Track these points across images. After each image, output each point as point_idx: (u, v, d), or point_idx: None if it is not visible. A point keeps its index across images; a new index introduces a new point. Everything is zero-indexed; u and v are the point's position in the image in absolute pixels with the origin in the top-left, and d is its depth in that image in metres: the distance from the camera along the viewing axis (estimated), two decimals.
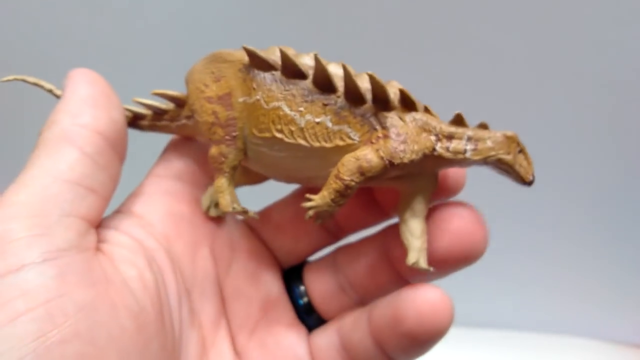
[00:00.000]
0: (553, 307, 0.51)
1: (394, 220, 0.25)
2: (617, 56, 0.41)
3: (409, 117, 0.21)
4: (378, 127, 0.21)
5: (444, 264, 0.22)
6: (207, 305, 0.25)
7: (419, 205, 0.22)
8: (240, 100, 0.22)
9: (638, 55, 0.41)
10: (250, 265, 0.27)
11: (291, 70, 0.21)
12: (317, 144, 0.21)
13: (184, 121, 0.25)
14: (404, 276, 0.24)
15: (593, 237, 0.48)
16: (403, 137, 0.20)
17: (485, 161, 0.21)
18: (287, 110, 0.21)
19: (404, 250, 0.22)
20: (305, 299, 0.27)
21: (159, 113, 0.26)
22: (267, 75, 0.22)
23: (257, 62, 0.22)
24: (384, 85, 0.21)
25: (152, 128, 0.26)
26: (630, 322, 0.50)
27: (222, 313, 0.25)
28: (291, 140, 0.21)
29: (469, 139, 0.21)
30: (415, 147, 0.20)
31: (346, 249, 0.26)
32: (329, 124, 0.21)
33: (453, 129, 0.21)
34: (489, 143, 0.21)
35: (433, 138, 0.21)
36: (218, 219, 0.26)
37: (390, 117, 0.21)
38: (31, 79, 0.25)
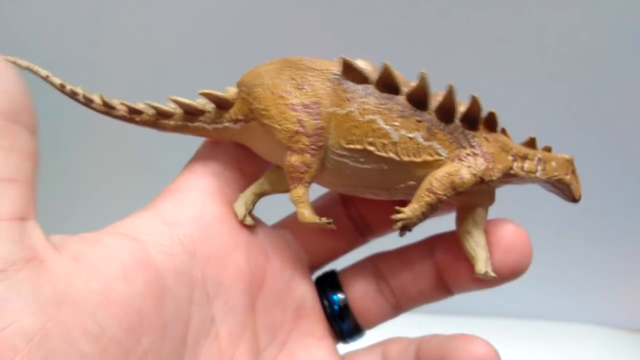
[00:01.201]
0: (554, 294, 0.52)
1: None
2: (618, 55, 0.42)
3: (492, 137, 0.23)
4: (466, 145, 0.22)
5: (499, 276, 0.23)
6: (232, 315, 0.23)
7: (480, 218, 0.23)
8: (330, 110, 0.22)
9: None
10: (285, 274, 0.25)
11: (388, 85, 0.22)
12: (407, 159, 0.22)
13: (226, 124, 0.24)
14: (447, 284, 0.25)
15: (593, 225, 0.49)
16: (490, 156, 0.22)
17: (548, 180, 0.24)
18: (382, 123, 0.22)
19: (457, 259, 0.24)
20: (342, 304, 0.27)
21: (193, 113, 0.24)
22: (360, 88, 0.22)
23: (354, 75, 0.22)
24: (481, 106, 0.22)
25: (179, 129, 0.25)
26: (630, 307, 0.51)
27: (247, 324, 0.24)
28: (382, 154, 0.22)
29: (539, 160, 0.24)
30: (500, 166, 0.22)
31: (388, 255, 0.27)
32: (421, 140, 0.22)
33: (526, 150, 0.24)
34: (553, 164, 0.24)
35: (510, 158, 0.23)
36: (255, 223, 0.25)
37: (476, 137, 0.22)
38: (24, 63, 0.23)
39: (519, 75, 0.43)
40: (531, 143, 0.24)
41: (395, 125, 0.22)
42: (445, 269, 0.25)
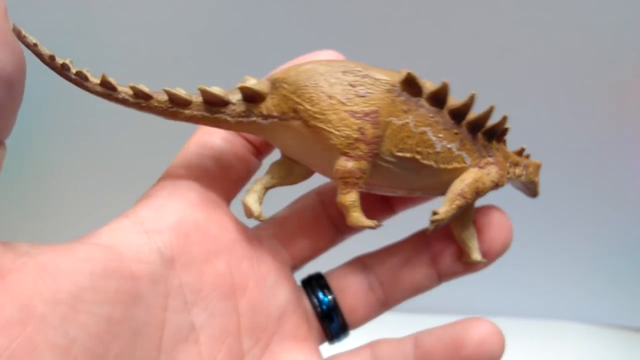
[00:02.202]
0: (550, 293, 0.52)
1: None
2: (619, 54, 0.42)
3: (499, 147, 0.26)
4: (485, 154, 0.25)
5: (487, 259, 0.27)
6: (212, 320, 0.23)
7: (472, 211, 0.26)
8: (387, 119, 0.23)
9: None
10: (269, 278, 0.25)
11: (439, 100, 0.24)
12: (442, 166, 0.24)
13: (254, 119, 0.23)
14: (441, 273, 0.27)
15: (590, 223, 0.49)
16: (501, 165, 0.26)
17: (525, 182, 0.28)
18: (430, 135, 0.23)
19: (449, 248, 0.27)
20: (330, 304, 0.27)
21: (216, 104, 0.23)
22: (414, 100, 0.23)
23: (414, 89, 0.23)
24: (505, 123, 0.25)
25: (194, 119, 0.23)
26: (623, 305, 0.52)
27: (229, 329, 0.24)
28: (425, 162, 0.23)
29: (525, 166, 0.28)
30: (506, 173, 0.26)
31: (378, 253, 0.28)
32: (454, 150, 0.24)
33: (518, 158, 0.27)
34: (530, 169, 0.28)
35: (508, 165, 0.27)
36: (238, 227, 0.25)
37: (491, 148, 0.26)
38: (31, 38, 0.20)
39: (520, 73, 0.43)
40: (521, 152, 0.28)
41: (440, 137, 0.24)
42: (439, 254, 0.27)
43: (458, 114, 0.24)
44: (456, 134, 0.24)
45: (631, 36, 0.41)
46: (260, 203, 0.24)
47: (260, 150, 0.26)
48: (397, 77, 0.23)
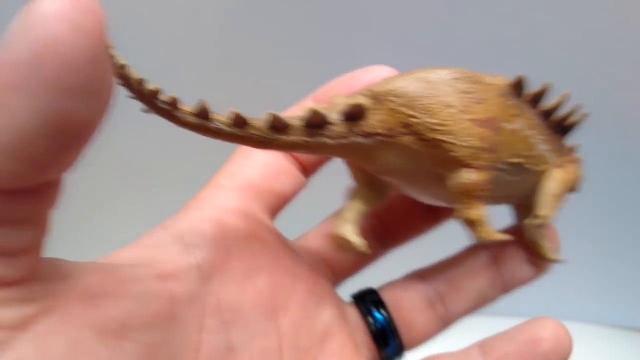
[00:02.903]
0: (554, 294, 0.52)
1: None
2: (619, 54, 0.42)
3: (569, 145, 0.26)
4: (564, 153, 0.25)
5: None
6: (252, 340, 0.21)
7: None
8: (500, 125, 0.22)
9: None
10: (313, 296, 0.24)
11: (537, 102, 0.23)
12: (537, 169, 0.23)
13: (354, 138, 0.21)
14: (507, 280, 0.26)
15: (592, 224, 0.49)
16: (577, 164, 0.25)
17: None
18: (533, 138, 0.23)
19: (512, 253, 0.26)
20: (386, 323, 0.25)
21: (317, 125, 0.20)
22: (521, 104, 0.23)
23: (521, 92, 0.22)
24: (575, 115, 0.24)
25: (294, 147, 0.20)
26: (630, 306, 0.52)
27: (270, 349, 0.22)
28: (528, 166, 0.23)
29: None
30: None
31: (435, 265, 0.27)
32: (546, 151, 0.23)
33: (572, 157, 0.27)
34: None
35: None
36: (280, 242, 0.23)
37: (566, 146, 0.25)
38: (119, 59, 0.16)
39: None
40: (572, 149, 0.27)
41: (541, 140, 0.23)
42: (503, 260, 0.26)
43: (554, 121, 0.24)
44: (547, 134, 0.24)
45: None
46: (359, 234, 0.23)
47: (307, 168, 0.25)
48: (503, 81, 0.22)
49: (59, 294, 0.16)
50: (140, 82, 0.17)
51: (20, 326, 0.15)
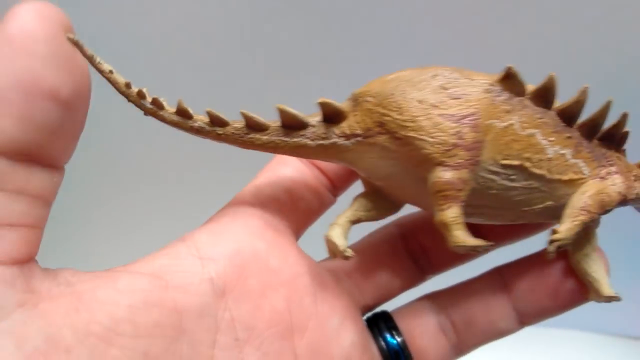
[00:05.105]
0: None
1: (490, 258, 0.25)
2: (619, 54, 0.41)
3: (620, 156, 0.22)
4: (605, 163, 0.22)
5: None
6: None
7: (595, 240, 0.23)
8: (487, 122, 0.20)
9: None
10: (334, 319, 0.23)
11: (545, 99, 0.21)
12: (555, 176, 0.21)
13: (335, 140, 0.21)
14: (523, 314, 0.24)
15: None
16: (626, 176, 0.22)
17: None
18: (540, 138, 0.21)
19: (535, 287, 0.24)
20: (400, 347, 0.25)
21: (295, 127, 0.21)
22: (517, 100, 0.21)
23: (516, 86, 0.21)
24: (625, 125, 0.22)
25: (273, 146, 0.21)
26: (631, 315, 0.51)
27: None
28: (536, 170, 0.21)
29: None
30: (632, 184, 0.22)
31: (449, 291, 0.26)
32: (569, 157, 0.21)
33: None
34: None
35: (632, 179, 0.22)
36: (302, 260, 0.23)
37: (611, 155, 0.22)
38: (106, 66, 0.19)
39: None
40: None
41: (551, 141, 0.21)
42: (519, 291, 0.24)
43: (569, 115, 0.21)
44: (569, 137, 0.21)
45: None
46: (346, 238, 0.22)
47: (336, 185, 0.25)
48: (495, 78, 0.21)
49: (46, 294, 0.17)
50: (127, 85, 0.19)
51: (6, 308, 0.16)
